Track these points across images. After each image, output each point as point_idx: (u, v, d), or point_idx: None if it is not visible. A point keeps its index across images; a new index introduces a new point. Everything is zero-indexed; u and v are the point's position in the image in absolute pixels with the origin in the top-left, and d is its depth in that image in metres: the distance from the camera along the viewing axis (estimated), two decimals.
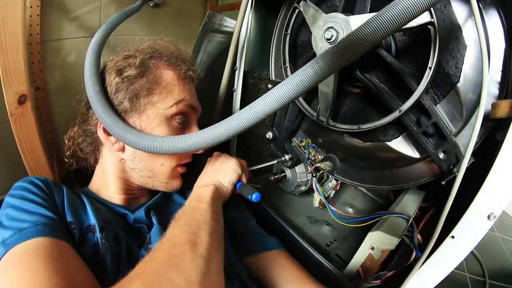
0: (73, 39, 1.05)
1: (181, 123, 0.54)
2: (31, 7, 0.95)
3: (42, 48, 1.01)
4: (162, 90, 0.52)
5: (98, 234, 0.41)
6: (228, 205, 0.61)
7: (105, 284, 0.36)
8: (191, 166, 0.63)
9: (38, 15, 0.97)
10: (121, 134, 0.47)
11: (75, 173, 0.74)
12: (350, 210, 0.74)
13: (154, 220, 0.50)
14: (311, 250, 0.62)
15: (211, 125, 0.44)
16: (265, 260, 0.54)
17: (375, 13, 0.34)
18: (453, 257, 0.42)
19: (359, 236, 0.57)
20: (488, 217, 0.38)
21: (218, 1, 1.54)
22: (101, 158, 0.57)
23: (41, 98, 1.09)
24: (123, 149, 0.53)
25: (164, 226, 0.45)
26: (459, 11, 0.42)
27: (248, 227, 0.60)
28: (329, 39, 0.48)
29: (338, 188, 0.70)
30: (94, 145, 0.56)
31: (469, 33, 0.42)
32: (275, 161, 0.70)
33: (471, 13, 0.40)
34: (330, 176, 0.71)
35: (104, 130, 0.51)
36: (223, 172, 0.54)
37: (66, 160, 0.59)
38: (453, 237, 0.42)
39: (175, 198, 0.62)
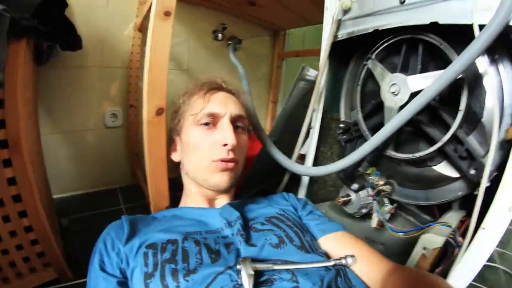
0: None
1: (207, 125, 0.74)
2: (133, 38, 1.43)
3: (139, 73, 1.44)
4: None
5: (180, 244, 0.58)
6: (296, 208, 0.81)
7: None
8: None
9: (139, 46, 1.44)
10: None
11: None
12: (401, 234, 1.00)
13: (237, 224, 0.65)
14: None
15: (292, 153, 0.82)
16: (332, 240, 0.70)
17: (425, 89, 0.67)
18: (486, 245, 0.63)
19: (407, 255, 0.79)
20: (509, 209, 0.60)
21: (285, 48, 2.04)
22: None
23: (132, 115, 1.50)
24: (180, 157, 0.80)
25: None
26: (480, 62, 0.69)
27: (313, 218, 0.78)
28: (394, 92, 0.80)
29: (393, 211, 0.98)
30: None
31: (489, 79, 0.69)
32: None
33: (490, 63, 0.68)
34: (386, 202, 0.99)
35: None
36: None
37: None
38: (484, 228, 0.64)
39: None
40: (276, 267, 0.54)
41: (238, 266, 0.52)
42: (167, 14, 0.74)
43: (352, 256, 0.63)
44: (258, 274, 0.52)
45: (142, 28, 1.37)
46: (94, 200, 1.38)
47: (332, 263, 0.60)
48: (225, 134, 0.71)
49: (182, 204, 0.82)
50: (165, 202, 0.85)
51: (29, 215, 0.78)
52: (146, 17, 1.17)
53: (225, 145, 0.71)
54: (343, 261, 0.61)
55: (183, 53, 1.61)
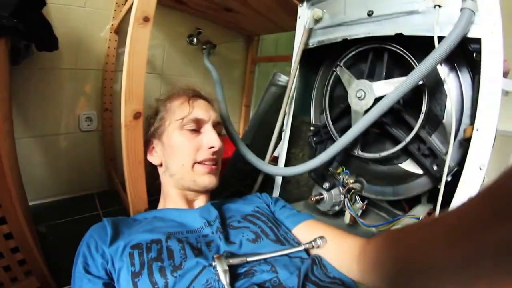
0: None
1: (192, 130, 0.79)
2: (109, 40, 1.40)
3: (114, 76, 1.41)
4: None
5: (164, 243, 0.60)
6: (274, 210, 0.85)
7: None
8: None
9: (114, 48, 1.41)
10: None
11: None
12: (373, 228, 1.06)
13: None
14: None
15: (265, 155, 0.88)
16: (303, 228, 0.75)
17: (388, 93, 0.74)
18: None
19: None
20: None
21: (257, 53, 2.09)
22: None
23: (107, 118, 1.46)
24: (161, 162, 0.83)
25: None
26: (441, 69, 0.75)
27: (284, 212, 0.83)
28: (359, 97, 0.86)
29: (364, 208, 1.04)
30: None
31: (449, 84, 0.76)
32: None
33: (449, 70, 0.76)
34: (357, 199, 1.05)
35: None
36: None
37: None
38: None
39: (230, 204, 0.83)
40: (249, 259, 0.57)
41: (213, 263, 0.54)
42: (146, 20, 0.75)
43: (322, 237, 0.67)
44: (237, 267, 0.56)
45: (119, 30, 1.36)
46: (70, 206, 1.34)
47: (303, 247, 0.65)
48: (211, 138, 0.79)
49: (161, 206, 0.85)
50: (144, 205, 0.86)
51: (8, 221, 0.75)
52: (124, 20, 1.20)
53: (211, 147, 0.78)
54: (314, 243, 0.66)
55: (158, 57, 1.61)
